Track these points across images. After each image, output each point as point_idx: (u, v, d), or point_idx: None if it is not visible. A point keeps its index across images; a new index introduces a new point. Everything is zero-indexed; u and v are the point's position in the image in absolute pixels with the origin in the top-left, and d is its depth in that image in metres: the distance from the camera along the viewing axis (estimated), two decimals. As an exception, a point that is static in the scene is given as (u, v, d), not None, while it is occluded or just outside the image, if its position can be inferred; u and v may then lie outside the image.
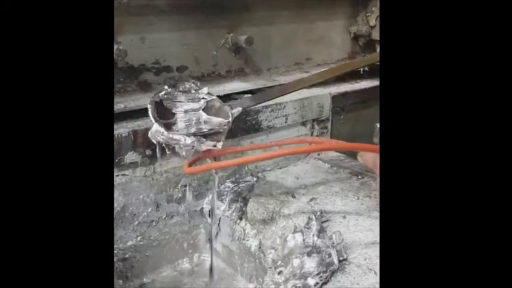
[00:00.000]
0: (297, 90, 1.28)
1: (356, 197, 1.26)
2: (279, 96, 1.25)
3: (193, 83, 1.08)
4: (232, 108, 1.08)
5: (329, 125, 1.64)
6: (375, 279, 0.89)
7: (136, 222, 1.17)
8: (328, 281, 0.89)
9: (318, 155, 1.61)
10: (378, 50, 1.82)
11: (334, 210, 1.18)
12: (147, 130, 1.11)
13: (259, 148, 1.28)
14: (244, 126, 1.35)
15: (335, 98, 1.65)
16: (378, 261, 0.95)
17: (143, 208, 1.17)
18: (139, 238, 1.19)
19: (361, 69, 1.78)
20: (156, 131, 0.94)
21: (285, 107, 1.44)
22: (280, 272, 0.99)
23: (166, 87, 1.05)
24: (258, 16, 1.50)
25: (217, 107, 1.08)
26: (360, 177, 1.41)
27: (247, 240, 1.19)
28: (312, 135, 1.59)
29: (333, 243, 1.01)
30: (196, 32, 1.34)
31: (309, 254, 0.98)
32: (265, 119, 1.40)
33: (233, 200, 1.28)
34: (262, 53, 1.54)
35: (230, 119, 1.04)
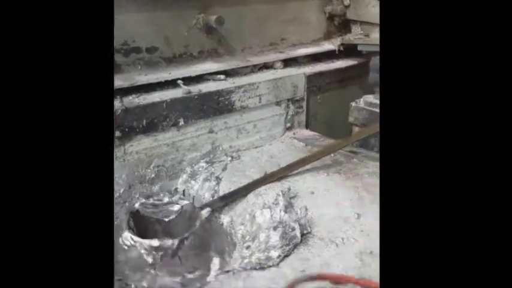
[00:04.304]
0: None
1: (326, 174, 1.29)
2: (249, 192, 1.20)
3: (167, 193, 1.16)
4: (202, 210, 1.11)
5: (304, 104, 1.66)
6: (335, 251, 0.93)
7: (110, 203, 1.20)
8: (290, 253, 0.92)
9: (294, 134, 1.64)
10: (353, 33, 1.82)
11: (304, 187, 1.21)
12: (116, 112, 1.13)
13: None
14: (217, 107, 1.36)
15: (310, 78, 1.66)
16: (340, 233, 0.98)
17: (116, 188, 1.19)
18: (113, 218, 1.22)
19: (337, 49, 1.80)
20: (125, 237, 0.93)
21: (258, 87, 1.45)
22: (248, 247, 1.03)
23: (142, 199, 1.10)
24: (231, -4, 1.50)
25: (190, 211, 1.10)
26: (333, 155, 1.43)
27: (220, 218, 1.22)
28: (287, 115, 1.61)
29: (298, 217, 1.04)
30: (166, 13, 1.33)
31: (274, 229, 1.01)
32: (239, 99, 1.41)
33: (206, 179, 1.31)
34: (236, 34, 1.54)
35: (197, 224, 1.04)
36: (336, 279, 0.79)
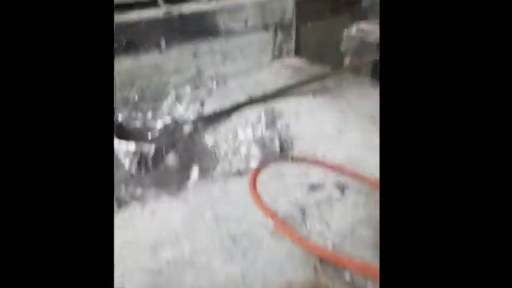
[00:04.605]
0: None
1: (312, 96, 1.28)
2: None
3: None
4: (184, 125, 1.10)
5: (293, 32, 1.61)
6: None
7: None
8: (269, 165, 0.93)
9: (282, 62, 1.60)
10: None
11: (288, 108, 1.21)
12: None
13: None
14: (201, 29, 1.32)
15: (300, 4, 1.60)
16: (321, 148, 0.98)
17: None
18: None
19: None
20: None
21: (243, 8, 1.40)
22: (230, 162, 1.04)
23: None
24: None
25: (172, 127, 1.09)
26: (321, 81, 1.42)
27: (204, 138, 1.22)
28: (275, 42, 1.57)
29: (279, 134, 1.05)
30: None
31: (255, 143, 1.02)
32: (223, 23, 1.37)
33: (191, 102, 1.29)
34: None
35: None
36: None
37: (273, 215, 0.70)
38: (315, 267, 0.63)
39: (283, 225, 0.67)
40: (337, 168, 0.84)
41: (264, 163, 0.79)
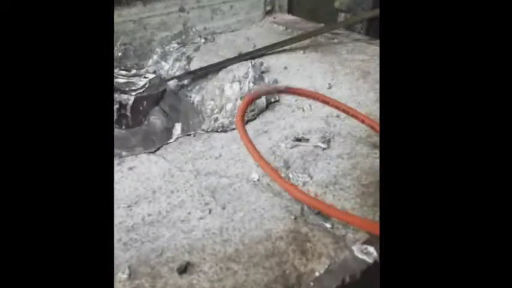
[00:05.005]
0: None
1: (302, 52, 1.23)
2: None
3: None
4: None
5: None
6: (301, 115, 0.90)
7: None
8: (255, 118, 0.90)
9: (274, 18, 1.54)
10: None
11: (277, 63, 1.16)
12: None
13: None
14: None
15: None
16: (309, 101, 0.95)
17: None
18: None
19: None
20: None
21: (231, -41, 1.33)
22: (216, 119, 1.01)
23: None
24: None
25: (157, 83, 1.06)
26: (313, 37, 1.36)
27: (191, 97, 1.18)
28: (266, -4, 1.50)
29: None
30: None
31: (242, 98, 0.98)
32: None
33: (177, 59, 1.25)
34: None
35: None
36: (303, 94, 0.79)
37: (258, 153, 0.66)
38: (295, 218, 0.61)
39: (270, 166, 0.64)
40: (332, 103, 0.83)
41: (255, 94, 0.76)
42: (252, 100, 0.74)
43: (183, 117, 1.20)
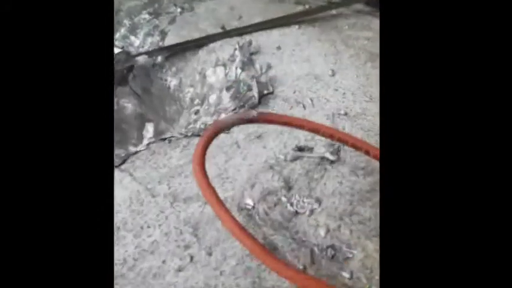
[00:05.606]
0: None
1: (297, 27, 1.05)
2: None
3: None
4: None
5: None
6: (301, 113, 0.74)
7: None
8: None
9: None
10: None
11: (269, 41, 0.98)
12: None
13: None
14: None
15: None
16: (309, 93, 0.79)
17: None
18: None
19: None
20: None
21: None
22: (196, 112, 0.84)
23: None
24: None
25: (124, 60, 0.89)
26: (306, 6, 1.18)
27: (166, 80, 1.00)
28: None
29: (258, 75, 0.84)
30: None
31: (228, 89, 0.81)
32: None
33: (149, 33, 1.05)
34: None
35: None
36: (282, 122, 0.59)
37: (225, 209, 0.46)
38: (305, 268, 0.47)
39: (244, 232, 0.46)
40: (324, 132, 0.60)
41: (219, 125, 0.55)
42: (212, 138, 0.53)
43: (157, 103, 1.02)
